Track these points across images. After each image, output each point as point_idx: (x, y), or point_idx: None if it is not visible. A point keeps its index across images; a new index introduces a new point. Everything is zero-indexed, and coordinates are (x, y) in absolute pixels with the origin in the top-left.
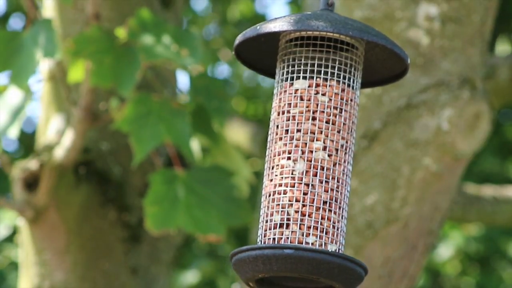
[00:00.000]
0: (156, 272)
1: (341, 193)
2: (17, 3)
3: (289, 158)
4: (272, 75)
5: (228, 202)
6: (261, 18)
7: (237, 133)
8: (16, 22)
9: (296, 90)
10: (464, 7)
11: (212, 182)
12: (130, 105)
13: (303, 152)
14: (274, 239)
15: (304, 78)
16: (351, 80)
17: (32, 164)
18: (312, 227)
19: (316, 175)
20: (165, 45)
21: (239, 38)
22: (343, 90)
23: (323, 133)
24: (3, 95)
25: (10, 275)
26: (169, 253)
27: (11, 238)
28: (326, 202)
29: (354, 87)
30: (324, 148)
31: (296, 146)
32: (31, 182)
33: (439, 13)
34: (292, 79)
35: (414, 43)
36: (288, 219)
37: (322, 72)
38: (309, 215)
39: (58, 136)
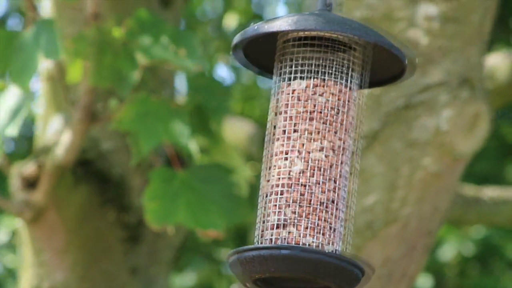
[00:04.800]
0: (156, 272)
1: (338, 194)
2: (15, 4)
3: (286, 159)
4: (270, 75)
5: (227, 199)
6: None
7: (235, 133)
8: (14, 23)
9: (294, 90)
10: (463, 7)
11: (211, 179)
12: (128, 105)
13: (300, 153)
14: (271, 239)
15: (302, 78)
16: (349, 81)
17: (31, 164)
18: (309, 227)
19: (313, 176)
20: (163, 45)
21: (236, 38)
22: (340, 91)
23: (320, 133)
24: (3, 95)
25: (8, 282)
26: (169, 254)
27: (9, 244)
28: (323, 203)
29: (352, 88)
30: (321, 149)
31: (293, 146)
32: (30, 183)
33: (438, 13)
34: (289, 79)
35: (413, 43)
36: (285, 220)
37: (320, 72)
38: (306, 216)
39: (57, 136)
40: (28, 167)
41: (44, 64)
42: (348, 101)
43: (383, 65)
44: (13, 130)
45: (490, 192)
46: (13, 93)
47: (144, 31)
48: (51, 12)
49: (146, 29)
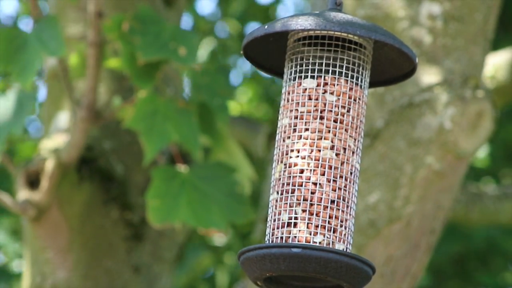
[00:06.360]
0: (159, 270)
1: (348, 192)
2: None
3: (297, 157)
4: (280, 74)
5: (229, 198)
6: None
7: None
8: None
9: (304, 89)
10: (466, 5)
11: (214, 178)
12: (137, 104)
13: (311, 151)
14: (282, 238)
15: (312, 77)
16: (359, 79)
17: (34, 162)
18: (319, 226)
19: (324, 174)
20: (163, 43)
21: (247, 38)
22: (351, 89)
23: (331, 132)
24: (7, 93)
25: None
26: (172, 252)
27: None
28: (333, 201)
29: (362, 86)
30: (332, 147)
31: (304, 145)
32: (34, 181)
33: (441, 11)
34: (300, 78)
35: (416, 41)
36: (296, 218)
37: (330, 71)
38: (316, 214)
39: (61, 134)
40: (31, 166)
41: (48, 63)
42: (359, 99)
43: (392, 63)
44: (17, 129)
45: (493, 189)
46: (16, 92)
47: (144, 29)
48: (54, 11)
49: (146, 27)
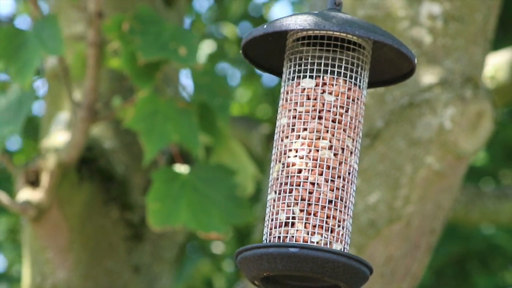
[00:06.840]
0: (159, 270)
1: (346, 192)
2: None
3: (295, 157)
4: (279, 74)
5: (230, 201)
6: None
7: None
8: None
9: (303, 89)
10: (467, 5)
11: (214, 180)
12: (137, 104)
13: (309, 151)
14: (279, 237)
15: (311, 77)
16: (358, 79)
17: (34, 162)
18: (317, 226)
19: (321, 174)
20: (163, 43)
21: (246, 37)
22: (349, 89)
23: (329, 132)
24: (6, 93)
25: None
26: (172, 252)
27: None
28: (331, 201)
29: (361, 86)
30: (330, 147)
31: (302, 144)
32: (34, 181)
33: (442, 11)
34: (299, 78)
35: (417, 41)
36: (294, 218)
37: (329, 71)
38: (314, 214)
39: (61, 134)
40: (32, 166)
41: (48, 62)
42: (358, 99)
43: (391, 64)
44: (15, 129)
45: (493, 189)
46: (15, 92)
47: (144, 29)
48: (54, 11)
49: (146, 27)
